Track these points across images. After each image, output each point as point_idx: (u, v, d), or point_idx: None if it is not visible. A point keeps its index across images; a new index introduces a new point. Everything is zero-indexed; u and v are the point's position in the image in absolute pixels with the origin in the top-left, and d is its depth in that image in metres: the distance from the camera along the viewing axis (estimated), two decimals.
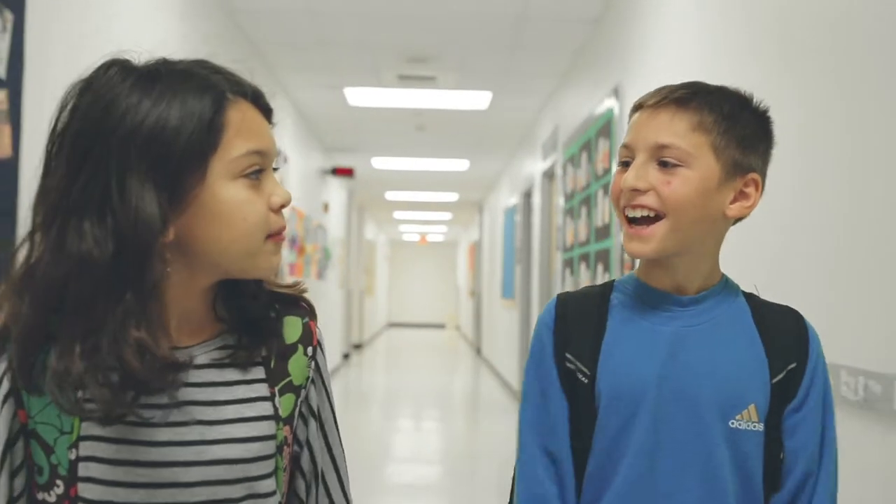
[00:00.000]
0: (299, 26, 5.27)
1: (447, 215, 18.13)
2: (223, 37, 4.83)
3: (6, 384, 0.97)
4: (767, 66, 2.51)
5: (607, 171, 4.62)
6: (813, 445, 1.17)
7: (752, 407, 1.15)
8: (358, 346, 15.32)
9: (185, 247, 0.97)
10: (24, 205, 2.41)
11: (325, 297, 9.83)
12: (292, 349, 1.09)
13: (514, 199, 9.77)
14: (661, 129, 1.13)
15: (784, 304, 1.25)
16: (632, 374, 1.16)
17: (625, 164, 1.17)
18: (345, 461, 1.16)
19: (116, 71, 0.96)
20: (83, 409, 0.93)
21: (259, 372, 1.06)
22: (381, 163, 10.54)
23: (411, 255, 25.46)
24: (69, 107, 0.96)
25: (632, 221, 1.14)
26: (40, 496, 0.99)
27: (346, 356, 13.12)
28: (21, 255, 0.96)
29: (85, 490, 0.97)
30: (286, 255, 6.79)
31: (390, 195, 14.26)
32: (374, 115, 7.78)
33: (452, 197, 14.47)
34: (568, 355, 1.19)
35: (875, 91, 1.88)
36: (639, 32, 4.14)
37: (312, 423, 1.11)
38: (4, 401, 0.97)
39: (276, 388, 1.06)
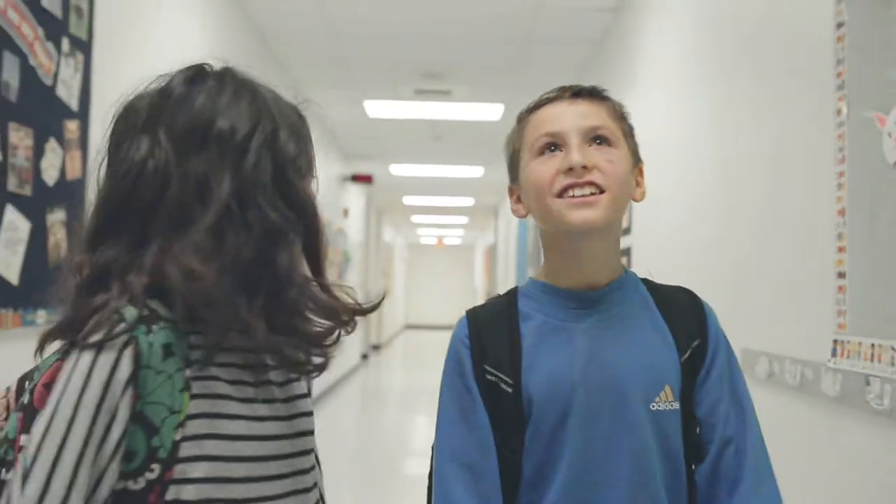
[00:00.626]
0: (323, 46, 5.66)
1: (464, 219, 18.42)
2: (253, 56, 5.23)
3: (129, 366, 0.92)
4: (739, 81, 2.87)
5: None
6: (723, 410, 1.19)
7: (667, 388, 1.17)
8: (376, 347, 15.68)
9: None
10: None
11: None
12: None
13: None
14: (588, 115, 1.18)
15: (675, 284, 1.29)
16: (558, 376, 1.16)
17: (549, 150, 1.18)
18: None
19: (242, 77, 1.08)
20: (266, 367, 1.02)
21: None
22: (398, 169, 10.90)
23: (429, 258, 25.72)
24: (178, 114, 1.02)
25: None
26: (120, 485, 0.93)
27: (364, 357, 13.49)
28: (178, 248, 0.97)
29: (183, 471, 0.94)
30: None
31: (408, 200, 14.60)
32: (392, 125, 8.15)
33: (468, 201, 14.76)
34: (487, 367, 1.18)
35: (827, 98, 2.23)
36: (634, 55, 4.49)
37: None
38: (126, 386, 0.92)
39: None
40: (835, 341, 2.02)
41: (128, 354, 0.92)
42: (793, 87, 2.37)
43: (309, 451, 1.08)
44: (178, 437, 0.94)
